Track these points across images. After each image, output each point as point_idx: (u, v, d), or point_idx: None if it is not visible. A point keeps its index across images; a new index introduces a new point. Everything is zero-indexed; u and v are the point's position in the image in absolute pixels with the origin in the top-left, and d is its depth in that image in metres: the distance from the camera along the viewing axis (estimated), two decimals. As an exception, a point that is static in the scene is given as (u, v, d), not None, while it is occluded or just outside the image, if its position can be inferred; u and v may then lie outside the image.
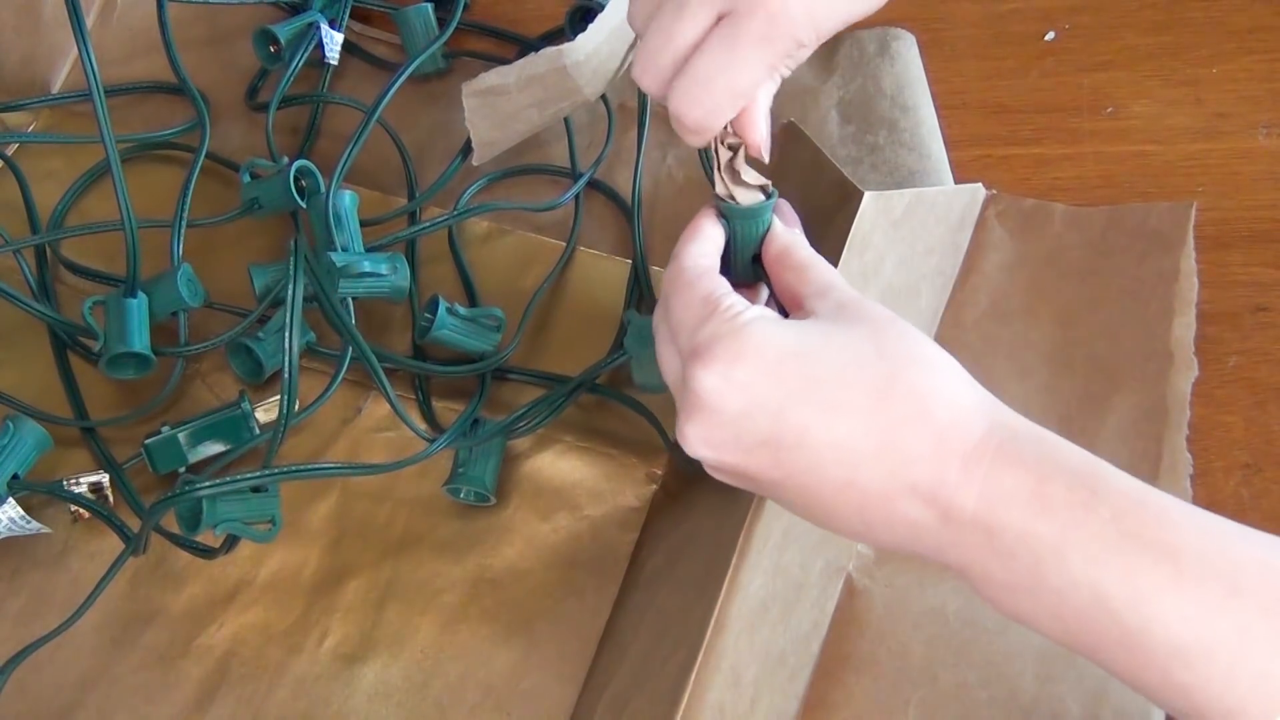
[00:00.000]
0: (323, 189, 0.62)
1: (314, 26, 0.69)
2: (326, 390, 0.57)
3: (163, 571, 0.59)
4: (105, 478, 0.60)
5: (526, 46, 0.71)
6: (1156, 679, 0.38)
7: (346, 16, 0.71)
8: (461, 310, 0.62)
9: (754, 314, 0.43)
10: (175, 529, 0.55)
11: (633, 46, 0.61)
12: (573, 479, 0.61)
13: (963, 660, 0.54)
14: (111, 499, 0.60)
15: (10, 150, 0.69)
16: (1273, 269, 0.62)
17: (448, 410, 0.63)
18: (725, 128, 0.46)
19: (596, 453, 0.61)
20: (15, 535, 0.58)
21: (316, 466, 0.57)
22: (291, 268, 0.52)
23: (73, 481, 0.59)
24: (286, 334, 0.52)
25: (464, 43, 0.73)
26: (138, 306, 0.60)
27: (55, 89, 0.72)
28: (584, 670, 0.57)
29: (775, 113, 0.47)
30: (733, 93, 0.44)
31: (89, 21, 0.73)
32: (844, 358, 0.41)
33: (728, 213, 0.48)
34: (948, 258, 0.62)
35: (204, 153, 0.67)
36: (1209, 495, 0.57)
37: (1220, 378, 0.60)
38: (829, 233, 0.52)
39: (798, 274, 0.46)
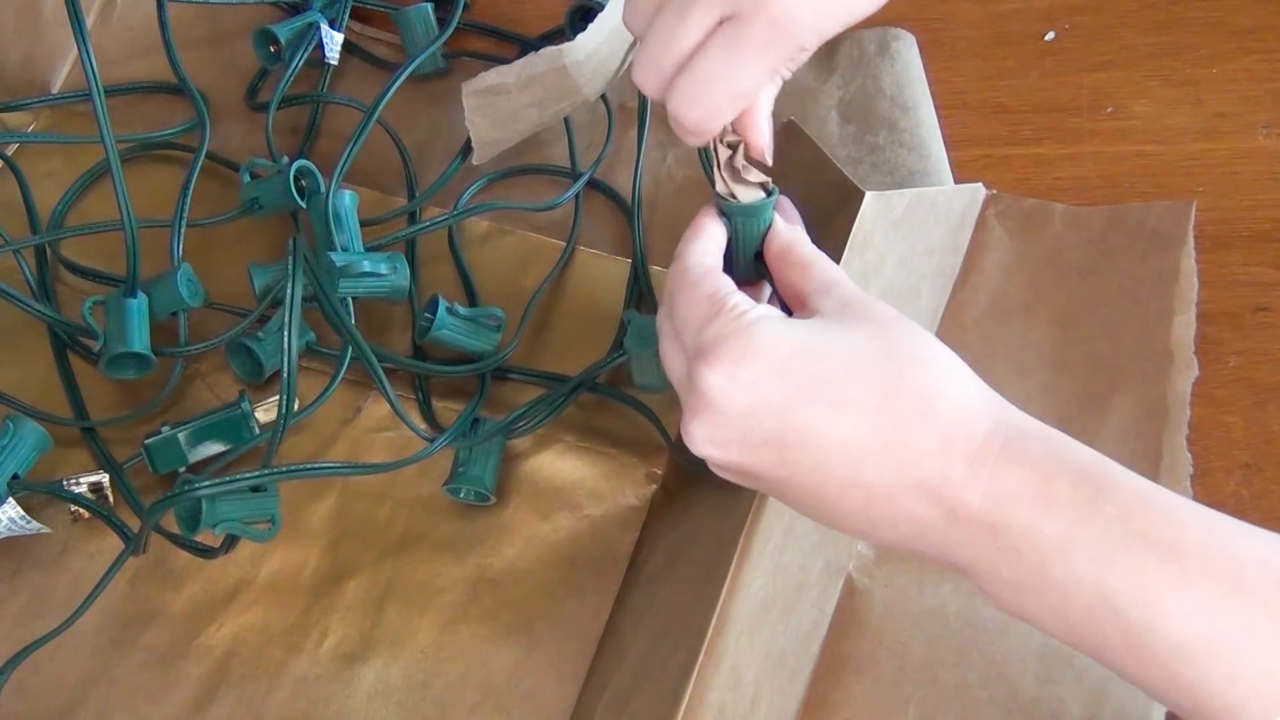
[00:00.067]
0: (323, 189, 0.62)
1: (314, 26, 0.69)
2: (326, 390, 0.57)
3: (162, 571, 0.59)
4: (105, 478, 0.59)
5: (526, 46, 0.71)
6: (1160, 676, 0.38)
7: (346, 16, 0.71)
8: (461, 310, 0.62)
9: (759, 313, 0.43)
10: (175, 529, 0.55)
11: (633, 46, 0.61)
12: (573, 479, 0.61)
13: (963, 660, 0.54)
14: (111, 499, 0.60)
15: (10, 150, 0.69)
16: (1273, 269, 0.62)
17: (448, 410, 0.62)
18: (725, 126, 0.46)
19: (596, 452, 0.61)
20: (15, 535, 0.58)
21: (316, 466, 0.57)
22: (291, 267, 0.52)
23: (73, 481, 0.59)
24: (286, 334, 0.52)
25: (464, 43, 0.73)
26: (138, 306, 0.60)
27: (55, 89, 0.72)
28: (584, 670, 0.57)
29: (775, 112, 0.47)
30: (733, 95, 0.44)
31: (89, 21, 0.73)
32: (850, 356, 0.41)
33: (729, 211, 0.48)
34: (948, 258, 0.62)
35: (204, 153, 0.67)
36: (1209, 495, 0.57)
37: (1220, 378, 0.60)
38: (830, 233, 0.52)
39: (800, 271, 0.46)
